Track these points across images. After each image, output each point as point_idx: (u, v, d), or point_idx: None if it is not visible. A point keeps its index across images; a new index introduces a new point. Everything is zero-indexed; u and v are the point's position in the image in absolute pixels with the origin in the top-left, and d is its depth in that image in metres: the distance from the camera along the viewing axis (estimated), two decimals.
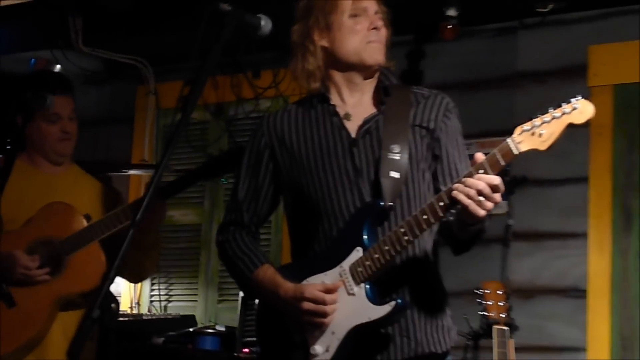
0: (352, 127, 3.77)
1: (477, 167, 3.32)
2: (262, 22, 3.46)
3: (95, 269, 4.66)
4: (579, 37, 6.28)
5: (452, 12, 5.94)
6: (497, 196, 3.28)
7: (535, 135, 3.26)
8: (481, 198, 3.25)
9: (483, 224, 3.48)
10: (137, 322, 6.68)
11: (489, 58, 6.49)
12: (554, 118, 3.25)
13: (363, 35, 3.76)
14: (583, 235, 6.11)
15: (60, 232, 4.67)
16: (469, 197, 3.25)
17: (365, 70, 3.82)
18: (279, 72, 6.89)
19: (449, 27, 5.99)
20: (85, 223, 4.70)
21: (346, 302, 3.58)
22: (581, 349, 6.02)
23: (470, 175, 3.31)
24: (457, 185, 3.31)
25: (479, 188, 3.25)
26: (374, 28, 3.76)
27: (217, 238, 3.96)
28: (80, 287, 4.69)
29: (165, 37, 7.05)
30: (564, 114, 3.24)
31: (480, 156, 3.30)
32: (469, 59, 6.49)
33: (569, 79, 6.25)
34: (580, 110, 3.24)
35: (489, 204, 3.27)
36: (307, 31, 3.83)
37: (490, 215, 3.38)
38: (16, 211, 4.65)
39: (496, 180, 3.26)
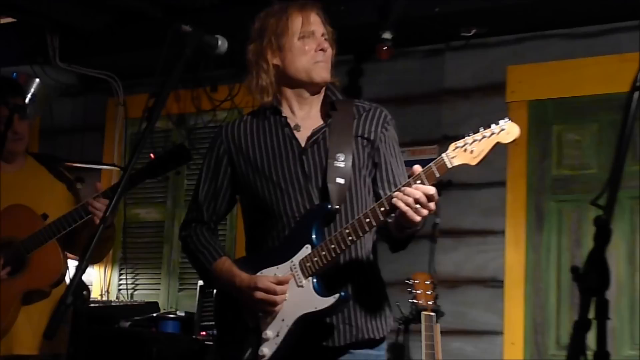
0: (302, 137, 3.79)
1: (415, 178, 3.37)
2: (219, 42, 3.49)
3: (55, 264, 4.68)
4: (499, 58, 6.30)
5: (387, 35, 5.93)
6: (432, 205, 3.34)
7: (467, 151, 3.31)
8: (417, 206, 3.31)
9: (417, 227, 3.50)
10: (106, 307, 6.64)
11: (419, 76, 6.50)
12: (484, 137, 3.30)
13: (311, 56, 3.77)
14: (501, 233, 6.13)
15: (21, 232, 4.62)
16: (407, 204, 3.31)
17: (313, 87, 3.83)
18: (234, 87, 6.88)
19: (384, 48, 5.98)
20: (43, 222, 4.64)
21: (295, 293, 3.61)
22: (499, 333, 6.04)
23: (409, 185, 3.36)
24: (397, 193, 3.36)
25: (416, 197, 3.31)
26: (321, 49, 3.78)
27: (181, 233, 3.97)
28: (43, 282, 4.66)
29: (133, 55, 7.00)
30: (493, 134, 3.30)
31: (417, 168, 3.36)
32: (402, 76, 6.49)
33: (489, 95, 6.27)
34: (508, 131, 3.30)
35: (424, 211, 3.33)
36: (261, 51, 3.83)
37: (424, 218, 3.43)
38: None
39: (431, 190, 3.32)
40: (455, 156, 3.33)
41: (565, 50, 6.09)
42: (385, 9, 5.92)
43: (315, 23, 3.83)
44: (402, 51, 6.28)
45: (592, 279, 2.41)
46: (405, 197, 3.34)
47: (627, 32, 5.81)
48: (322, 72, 3.79)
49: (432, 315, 5.39)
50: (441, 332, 5.45)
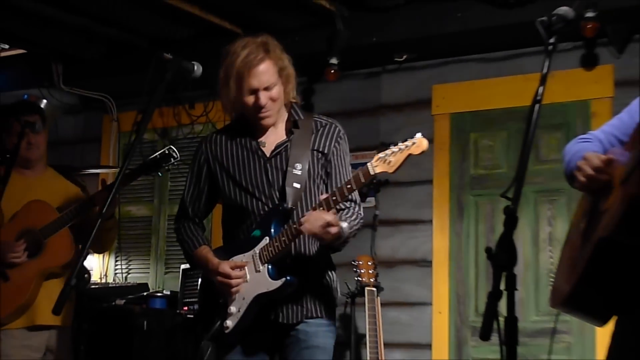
0: (267, 149, 3.79)
1: (346, 184, 3.45)
2: (195, 67, 3.47)
3: (66, 248, 4.65)
4: (425, 78, 6.31)
5: (334, 61, 5.93)
6: (333, 229, 3.44)
7: (386, 162, 3.35)
8: (322, 231, 3.43)
9: (341, 240, 3.61)
10: (104, 288, 6.57)
11: (360, 94, 6.49)
12: (399, 150, 3.34)
13: (254, 111, 3.70)
14: (429, 222, 6.15)
15: (39, 222, 4.61)
16: (312, 227, 3.45)
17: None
18: (209, 104, 6.83)
19: (331, 71, 5.97)
20: (57, 214, 4.62)
21: (254, 276, 3.67)
22: (428, 304, 6.06)
23: (341, 189, 3.48)
24: (305, 218, 3.48)
25: (318, 224, 3.43)
26: (262, 106, 3.68)
27: (174, 226, 4.02)
28: (56, 262, 4.65)
29: (124, 79, 6.94)
30: (406, 147, 3.33)
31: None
32: (346, 94, 6.47)
33: (418, 109, 6.28)
34: (418, 145, 3.33)
35: (327, 237, 3.45)
36: (225, 93, 3.78)
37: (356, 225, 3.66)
38: (6, 207, 4.61)
39: (329, 217, 3.41)
40: (377, 165, 3.37)
41: (479, 72, 6.13)
42: (332, 40, 5.92)
43: (262, 75, 3.68)
44: (346, 74, 6.26)
45: (502, 257, 2.42)
46: (312, 222, 3.46)
47: (530, 56, 5.85)
48: (266, 122, 3.77)
49: (373, 290, 5.39)
50: (381, 304, 5.45)
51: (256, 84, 3.66)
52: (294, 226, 3.52)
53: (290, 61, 3.82)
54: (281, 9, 5.80)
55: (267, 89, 3.68)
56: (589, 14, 5.13)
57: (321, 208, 3.47)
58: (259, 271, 3.65)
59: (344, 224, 3.60)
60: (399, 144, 3.38)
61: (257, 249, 3.67)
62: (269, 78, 3.69)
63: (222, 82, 3.78)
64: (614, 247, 2.40)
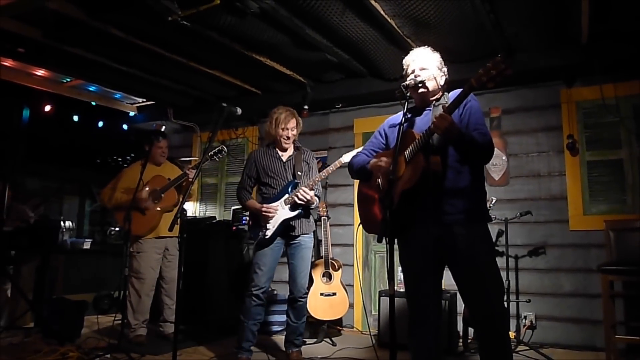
0: (284, 159, 3.96)
1: (314, 178, 3.80)
2: (238, 110, 3.47)
3: (174, 198, 4.64)
4: (351, 115, 6.26)
5: (306, 106, 5.88)
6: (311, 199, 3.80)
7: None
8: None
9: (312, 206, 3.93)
10: (194, 218, 6.47)
11: (320, 123, 6.41)
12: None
13: (281, 137, 3.94)
14: (352, 186, 6.08)
15: (160, 185, 4.61)
16: (302, 196, 3.74)
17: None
18: (246, 129, 6.75)
19: (305, 112, 5.91)
20: (168, 182, 4.62)
21: (282, 211, 3.79)
22: (352, 225, 6.01)
23: (313, 181, 3.80)
24: (300, 190, 3.79)
25: (305, 196, 3.74)
26: (287, 137, 3.96)
27: (237, 193, 4.02)
28: (169, 204, 4.64)
29: (203, 115, 6.85)
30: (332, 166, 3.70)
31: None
32: (313, 123, 6.39)
33: (347, 131, 6.24)
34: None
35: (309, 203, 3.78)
36: (268, 128, 3.99)
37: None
38: (145, 179, 4.55)
39: (310, 194, 3.78)
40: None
41: (376, 112, 6.06)
42: (305, 96, 5.87)
43: (289, 122, 3.96)
44: (312, 113, 6.19)
45: (387, 202, 2.43)
46: (301, 193, 3.74)
47: (398, 106, 5.84)
48: (284, 146, 3.95)
49: (326, 218, 5.37)
50: (330, 225, 5.44)
51: (288, 125, 3.92)
52: (300, 190, 3.72)
53: (300, 125, 4.04)
54: (279, 80, 5.74)
55: (291, 129, 3.95)
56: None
57: (308, 188, 3.75)
58: (284, 209, 3.77)
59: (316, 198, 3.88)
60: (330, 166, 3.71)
61: (282, 199, 3.79)
62: (294, 126, 3.96)
63: (269, 126, 3.99)
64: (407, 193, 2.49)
